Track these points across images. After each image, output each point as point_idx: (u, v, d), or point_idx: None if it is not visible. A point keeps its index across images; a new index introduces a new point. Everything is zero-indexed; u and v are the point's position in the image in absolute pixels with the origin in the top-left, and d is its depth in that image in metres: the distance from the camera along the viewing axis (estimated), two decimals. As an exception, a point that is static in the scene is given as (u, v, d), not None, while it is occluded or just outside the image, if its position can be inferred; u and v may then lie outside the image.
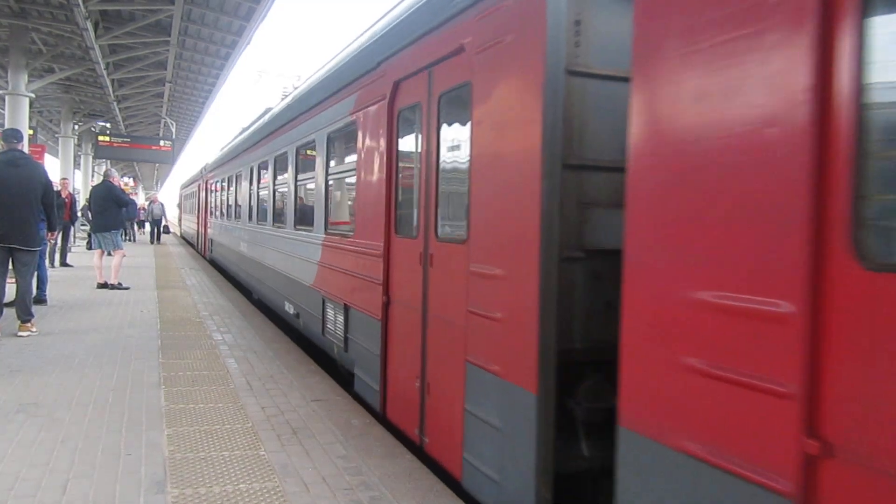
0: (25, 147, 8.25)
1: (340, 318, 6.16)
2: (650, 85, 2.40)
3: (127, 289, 12.27)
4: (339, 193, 7.15)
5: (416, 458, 4.38)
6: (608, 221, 3.09)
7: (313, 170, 7.45)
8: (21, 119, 18.74)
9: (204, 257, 21.35)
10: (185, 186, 35.18)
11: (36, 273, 8.62)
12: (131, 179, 58.14)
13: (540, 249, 3.02)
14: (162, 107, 32.45)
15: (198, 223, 24.49)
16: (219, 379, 6.16)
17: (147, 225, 31.01)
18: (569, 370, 3.09)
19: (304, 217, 8.04)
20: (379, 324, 5.07)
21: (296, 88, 10.03)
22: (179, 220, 41.50)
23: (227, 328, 8.88)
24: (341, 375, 6.65)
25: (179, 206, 41.20)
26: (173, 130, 35.75)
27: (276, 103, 11.92)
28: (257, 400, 5.53)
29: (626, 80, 3.03)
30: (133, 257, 18.03)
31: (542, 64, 3.04)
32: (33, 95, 20.14)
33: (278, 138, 9.52)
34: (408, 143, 4.82)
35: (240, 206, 13.37)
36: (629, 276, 2.47)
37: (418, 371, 4.41)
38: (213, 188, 19.05)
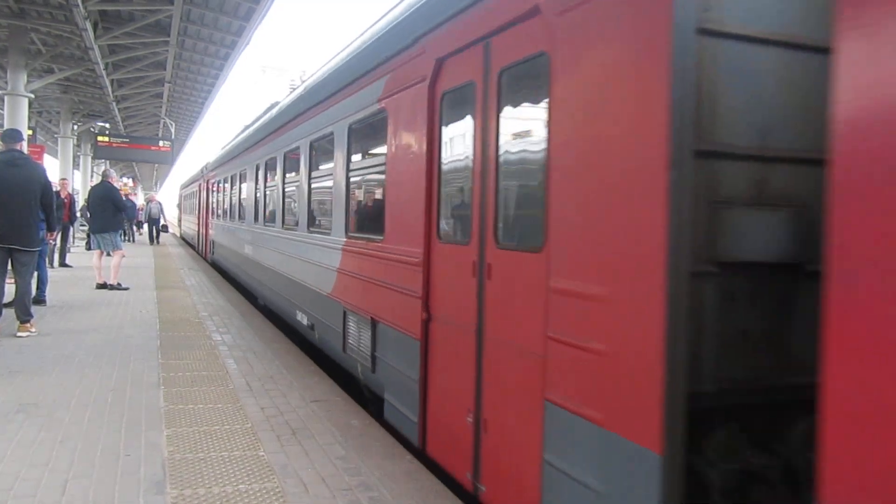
0: (25, 147, 8.22)
1: (366, 335, 5.39)
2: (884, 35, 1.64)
3: (126, 289, 12.26)
4: (363, 192, 6.38)
5: (416, 458, 4.38)
6: (747, 226, 2.46)
7: (331, 166, 6.71)
8: (20, 119, 18.76)
9: (205, 259, 21.06)
10: (184, 186, 35.04)
11: (36, 273, 8.63)
12: (130, 180, 58.16)
13: (667, 262, 2.32)
14: (161, 107, 32.47)
15: (198, 224, 24.14)
16: (218, 379, 6.16)
17: (145, 225, 30.84)
18: (692, 418, 2.40)
19: (320, 218, 7.40)
20: (417, 344, 4.35)
21: (308, 78, 9.14)
22: (179, 220, 41.39)
23: (226, 328, 8.88)
24: (340, 376, 6.63)
25: (179, 206, 41.10)
26: (172, 131, 35.77)
27: (284, 97, 11.27)
28: (257, 400, 5.53)
29: (769, 42, 2.50)
30: (132, 258, 18.02)
31: (670, 20, 2.34)
32: (32, 96, 20.16)
33: (289, 132, 8.77)
34: (455, 132, 4.11)
35: (244, 206, 12.62)
36: (842, 300, 1.77)
37: (471, 404, 3.69)
38: (215, 188, 18.54)
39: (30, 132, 21.71)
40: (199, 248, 23.71)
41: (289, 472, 4.05)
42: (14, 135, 8.26)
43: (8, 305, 8.20)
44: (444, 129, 4.20)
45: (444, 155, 4.20)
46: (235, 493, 3.72)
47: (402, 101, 4.77)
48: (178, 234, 39.10)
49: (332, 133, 6.60)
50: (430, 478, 4.09)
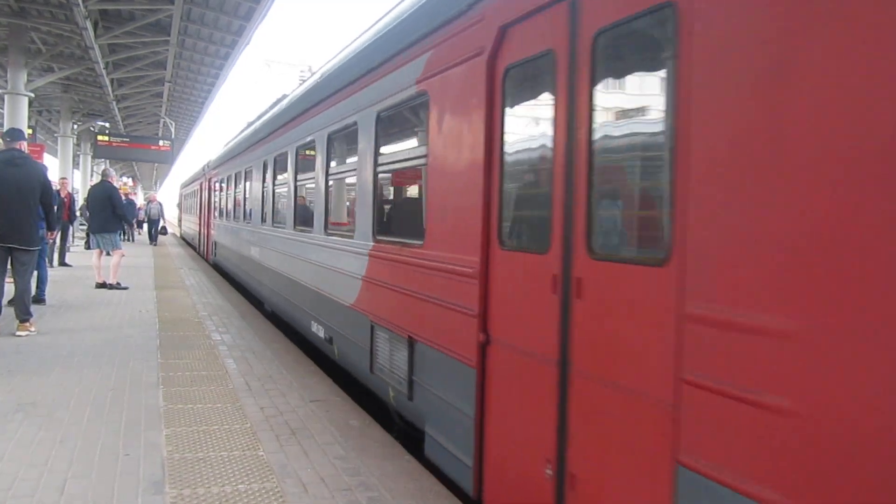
0: (25, 147, 8.23)
1: (402, 355, 4.67)
2: None
3: (126, 289, 12.27)
4: (395, 190, 5.70)
5: (415, 458, 4.38)
6: None
7: (354, 161, 5.95)
8: (20, 118, 18.78)
9: (206, 261, 20.71)
10: (185, 185, 34.92)
11: (35, 272, 8.62)
12: (130, 179, 58.14)
13: None
14: (161, 106, 32.48)
15: (199, 224, 23.86)
16: (217, 379, 6.16)
17: (145, 225, 30.70)
18: None
19: (339, 220, 6.75)
20: (472, 372, 3.64)
21: (325, 64, 8.12)
22: (179, 220, 41.30)
23: (225, 328, 8.88)
24: (340, 376, 6.62)
25: (179, 205, 41.01)
26: (172, 130, 35.77)
27: (295, 88, 10.55)
28: (256, 400, 5.53)
29: None
30: (132, 257, 18.02)
31: None
32: (32, 95, 20.16)
33: (302, 125, 7.99)
34: (524, 114, 3.45)
35: (251, 206, 11.88)
36: None
37: (551, 453, 3.02)
38: (217, 186, 17.85)
39: (30, 131, 21.75)
40: (201, 250, 23.34)
41: (288, 472, 4.05)
42: (15, 134, 8.26)
43: (7, 304, 8.21)
44: (507, 111, 3.49)
45: (507, 143, 3.48)
46: (234, 492, 3.72)
47: (450, 80, 4.06)
48: (179, 235, 39.04)
49: (355, 123, 5.84)
50: (430, 478, 4.09)
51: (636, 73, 2.80)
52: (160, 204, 30.28)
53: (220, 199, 17.46)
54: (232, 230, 14.65)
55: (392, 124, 5.40)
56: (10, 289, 8.28)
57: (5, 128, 17.26)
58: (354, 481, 3.95)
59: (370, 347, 5.31)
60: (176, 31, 19.77)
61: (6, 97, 18.96)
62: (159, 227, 29.00)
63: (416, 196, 5.07)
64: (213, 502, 3.59)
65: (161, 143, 32.08)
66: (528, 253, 3.25)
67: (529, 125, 3.36)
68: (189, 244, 30.04)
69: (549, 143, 3.07)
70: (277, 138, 9.59)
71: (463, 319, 3.76)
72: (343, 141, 6.56)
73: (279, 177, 9.47)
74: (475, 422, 3.61)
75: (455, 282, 3.88)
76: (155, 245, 27.06)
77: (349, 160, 6.31)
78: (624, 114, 2.80)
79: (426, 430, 4.30)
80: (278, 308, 9.62)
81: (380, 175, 5.39)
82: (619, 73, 2.82)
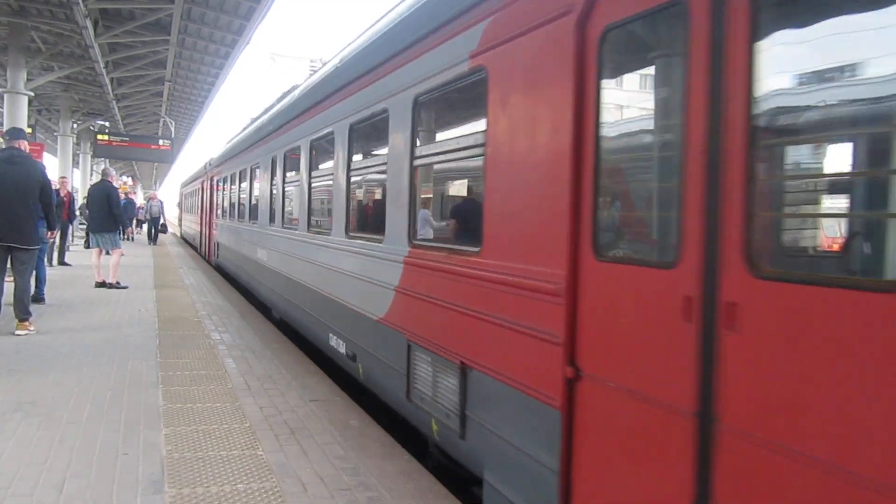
0: (26, 146, 8.22)
1: (450, 383, 3.95)
2: None
3: (125, 288, 12.26)
4: (439, 187, 5.03)
5: (414, 458, 4.37)
6: None
7: (383, 154, 5.28)
8: (20, 117, 18.79)
9: (208, 262, 20.29)
10: (185, 185, 34.80)
11: (35, 272, 8.60)
12: (130, 178, 58.14)
13: None
14: (161, 106, 32.49)
15: (201, 224, 23.46)
16: (217, 378, 6.15)
17: (144, 225, 30.61)
18: None
19: (365, 221, 6.10)
20: (556, 415, 2.93)
21: (344, 48, 7.22)
22: (180, 220, 41.21)
23: (225, 328, 8.87)
24: (340, 375, 6.61)
25: (180, 205, 40.92)
26: (172, 129, 35.77)
27: (305, 79, 9.87)
28: (255, 400, 5.52)
29: None
30: (132, 257, 18.02)
31: None
32: (32, 94, 20.17)
33: (317, 117, 7.24)
34: (632, 88, 2.87)
35: (257, 205, 11.18)
36: None
37: None
38: (220, 185, 17.26)
39: (29, 130, 21.72)
40: (202, 250, 22.89)
41: (287, 471, 4.05)
42: (15, 133, 8.27)
43: (7, 304, 8.20)
44: (605, 84, 2.78)
45: (606, 125, 2.78)
46: (234, 492, 3.71)
47: (519, 51, 3.36)
48: (179, 234, 39.01)
49: (384, 111, 5.13)
50: (429, 478, 4.09)
51: (833, 20, 2.06)
52: (161, 202, 30.29)
53: (223, 199, 16.91)
54: (236, 231, 13.92)
55: (435, 109, 4.69)
56: (9, 288, 8.28)
57: (5, 127, 17.25)
58: (354, 481, 3.95)
59: (406, 370, 4.58)
60: (176, 31, 19.76)
61: (6, 96, 18.98)
62: (160, 226, 28.99)
63: (469, 194, 4.47)
64: (213, 502, 3.59)
65: (161, 142, 32.05)
66: (643, 266, 2.57)
67: (642, 101, 2.75)
68: (190, 244, 29.95)
69: (679, 122, 2.37)
70: (288, 132, 8.81)
71: (541, 347, 3.06)
72: (369, 132, 5.80)
73: (290, 174, 8.78)
74: (560, 477, 2.90)
75: (528, 299, 3.19)
76: (155, 245, 27.01)
77: (377, 153, 5.66)
78: (815, 76, 2.08)
79: (485, 477, 3.57)
80: (289, 316, 8.93)
81: (418, 170, 4.66)
82: (800, 23, 2.11)
